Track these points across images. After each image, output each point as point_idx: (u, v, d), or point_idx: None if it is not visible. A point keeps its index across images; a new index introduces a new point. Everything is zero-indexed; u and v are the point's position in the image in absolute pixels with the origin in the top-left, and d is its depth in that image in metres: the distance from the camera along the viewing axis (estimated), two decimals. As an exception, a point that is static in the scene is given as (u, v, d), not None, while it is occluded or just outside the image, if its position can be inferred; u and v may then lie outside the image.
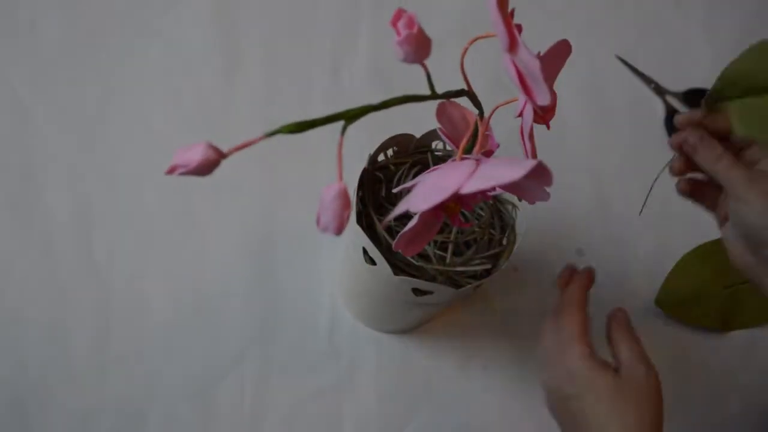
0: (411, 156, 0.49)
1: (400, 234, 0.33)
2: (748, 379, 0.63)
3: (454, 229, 0.47)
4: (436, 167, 0.33)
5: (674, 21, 0.78)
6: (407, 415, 0.57)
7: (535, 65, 0.29)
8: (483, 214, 0.49)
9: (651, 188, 0.48)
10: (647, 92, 0.74)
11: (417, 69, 0.31)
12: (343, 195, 0.28)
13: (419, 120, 0.45)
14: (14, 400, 0.53)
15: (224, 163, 0.28)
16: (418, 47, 0.29)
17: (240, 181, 0.62)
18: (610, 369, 0.43)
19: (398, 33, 0.28)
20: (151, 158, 0.60)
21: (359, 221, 0.43)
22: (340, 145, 0.29)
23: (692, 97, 0.74)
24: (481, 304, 0.61)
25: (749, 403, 0.62)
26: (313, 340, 0.58)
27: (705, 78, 0.75)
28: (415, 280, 0.43)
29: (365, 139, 0.45)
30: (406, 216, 0.32)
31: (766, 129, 0.40)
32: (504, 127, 0.41)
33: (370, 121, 0.31)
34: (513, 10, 0.30)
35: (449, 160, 0.35)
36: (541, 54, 0.32)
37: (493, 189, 0.32)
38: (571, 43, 0.34)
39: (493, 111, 0.36)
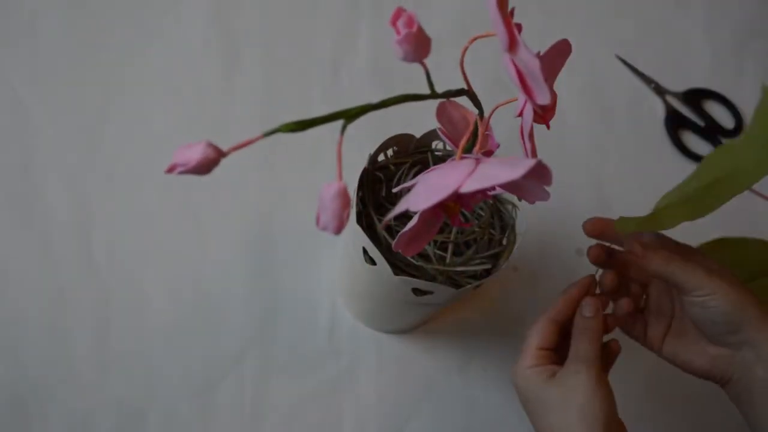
0: (411, 156, 0.49)
1: (400, 234, 0.33)
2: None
3: (454, 229, 0.47)
4: (435, 167, 0.33)
5: (674, 21, 0.78)
6: (407, 415, 0.57)
7: (535, 65, 0.29)
8: (483, 214, 0.49)
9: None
10: (647, 92, 0.74)
11: (417, 68, 0.31)
12: (343, 194, 0.28)
13: (419, 120, 0.45)
14: (14, 400, 0.53)
15: (224, 162, 0.28)
16: (418, 46, 0.29)
17: (240, 180, 0.62)
18: (549, 378, 0.41)
19: (398, 32, 0.28)
20: (151, 158, 0.60)
21: (359, 221, 0.43)
22: (340, 144, 0.29)
23: (692, 97, 0.74)
24: (481, 304, 0.61)
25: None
26: (313, 340, 0.58)
27: (705, 78, 0.75)
28: (415, 280, 0.43)
29: (365, 139, 0.45)
30: (406, 216, 0.32)
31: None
32: (504, 127, 0.41)
33: (370, 120, 0.31)
34: (513, 10, 0.30)
35: (449, 160, 0.35)
36: (541, 54, 0.32)
37: (493, 188, 0.32)
38: (571, 43, 0.34)
39: (493, 111, 0.36)
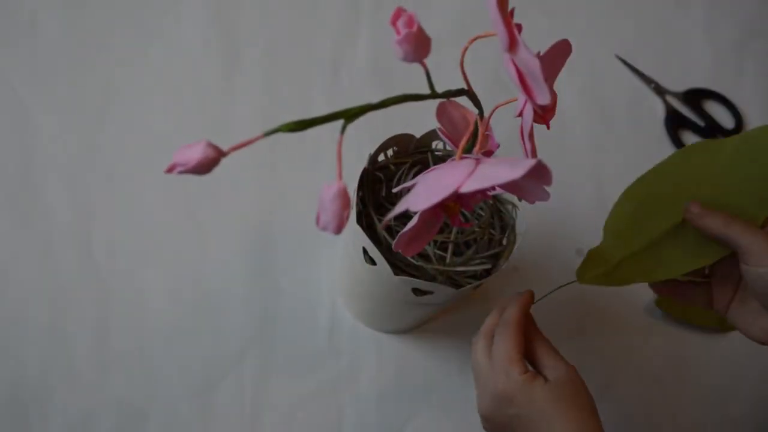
0: (411, 156, 0.49)
1: (400, 234, 0.33)
2: (747, 379, 0.63)
3: (454, 229, 0.47)
4: (435, 167, 0.33)
5: (674, 21, 0.78)
6: (407, 415, 0.57)
7: (535, 65, 0.29)
8: (483, 214, 0.49)
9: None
10: (647, 92, 0.74)
11: (417, 68, 0.31)
12: (343, 194, 0.28)
13: (419, 120, 0.45)
14: (14, 400, 0.53)
15: (224, 162, 0.28)
16: (418, 46, 0.29)
17: (240, 180, 0.62)
18: (540, 379, 0.42)
19: (398, 32, 0.28)
20: (151, 158, 0.60)
21: (359, 221, 0.43)
22: (340, 144, 0.29)
23: (692, 97, 0.74)
24: (481, 304, 0.61)
25: (749, 403, 0.62)
26: (313, 340, 0.58)
27: (705, 78, 0.75)
28: (415, 280, 0.43)
29: (365, 139, 0.45)
30: (406, 216, 0.32)
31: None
32: (504, 127, 0.41)
33: (370, 120, 0.32)
34: (513, 10, 0.30)
35: (449, 160, 0.35)
36: (541, 54, 0.32)
37: (493, 188, 0.32)
38: (571, 43, 0.34)
39: (493, 111, 0.36)
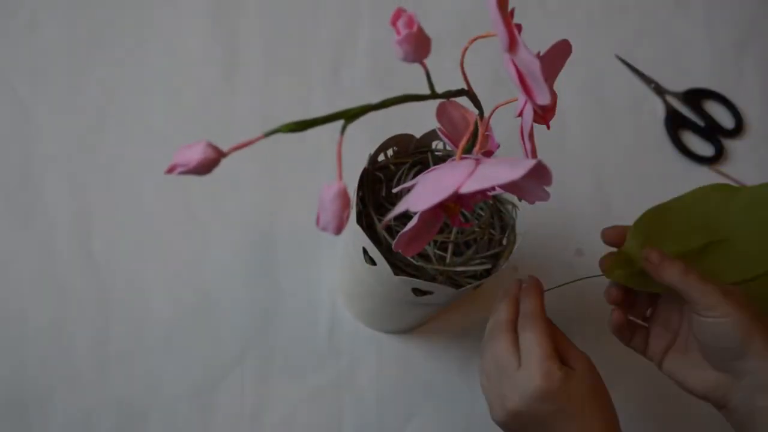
0: (411, 156, 0.49)
1: (400, 234, 0.33)
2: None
3: (454, 229, 0.47)
4: (435, 167, 0.33)
5: (674, 21, 0.78)
6: (407, 415, 0.57)
7: (535, 65, 0.29)
8: (483, 214, 0.49)
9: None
10: (647, 92, 0.74)
11: (417, 68, 0.31)
12: (343, 194, 0.28)
13: (419, 120, 0.45)
14: (14, 400, 0.53)
15: (224, 162, 0.28)
16: (418, 46, 0.29)
17: (240, 180, 0.62)
18: (573, 372, 0.41)
19: (398, 32, 0.28)
20: (150, 158, 0.60)
21: (359, 221, 0.43)
22: (340, 144, 0.29)
23: (692, 97, 0.74)
24: (481, 304, 0.61)
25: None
26: (313, 340, 0.58)
27: (705, 78, 0.75)
28: (415, 280, 0.43)
29: (365, 139, 0.45)
30: (406, 216, 0.32)
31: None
32: (504, 127, 0.41)
33: (370, 121, 0.31)
34: (513, 10, 0.30)
35: (449, 160, 0.35)
36: (541, 54, 0.32)
37: (493, 189, 0.32)
38: (571, 43, 0.34)
39: (493, 111, 0.36)
